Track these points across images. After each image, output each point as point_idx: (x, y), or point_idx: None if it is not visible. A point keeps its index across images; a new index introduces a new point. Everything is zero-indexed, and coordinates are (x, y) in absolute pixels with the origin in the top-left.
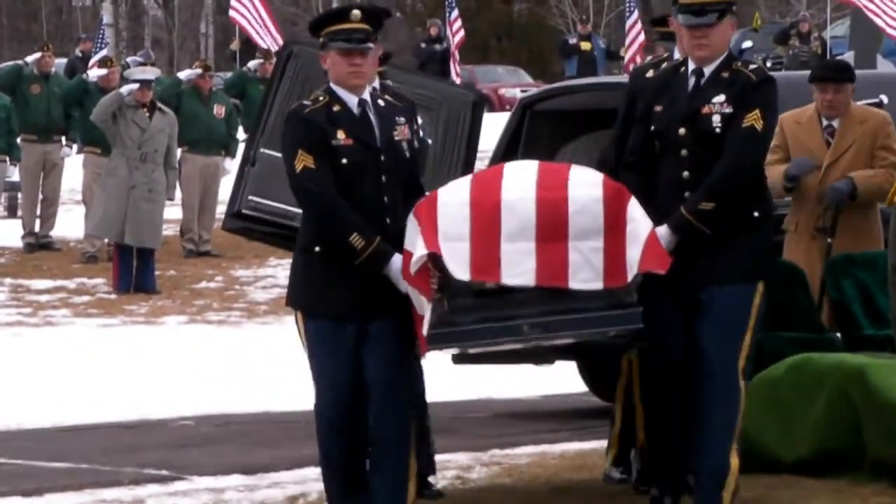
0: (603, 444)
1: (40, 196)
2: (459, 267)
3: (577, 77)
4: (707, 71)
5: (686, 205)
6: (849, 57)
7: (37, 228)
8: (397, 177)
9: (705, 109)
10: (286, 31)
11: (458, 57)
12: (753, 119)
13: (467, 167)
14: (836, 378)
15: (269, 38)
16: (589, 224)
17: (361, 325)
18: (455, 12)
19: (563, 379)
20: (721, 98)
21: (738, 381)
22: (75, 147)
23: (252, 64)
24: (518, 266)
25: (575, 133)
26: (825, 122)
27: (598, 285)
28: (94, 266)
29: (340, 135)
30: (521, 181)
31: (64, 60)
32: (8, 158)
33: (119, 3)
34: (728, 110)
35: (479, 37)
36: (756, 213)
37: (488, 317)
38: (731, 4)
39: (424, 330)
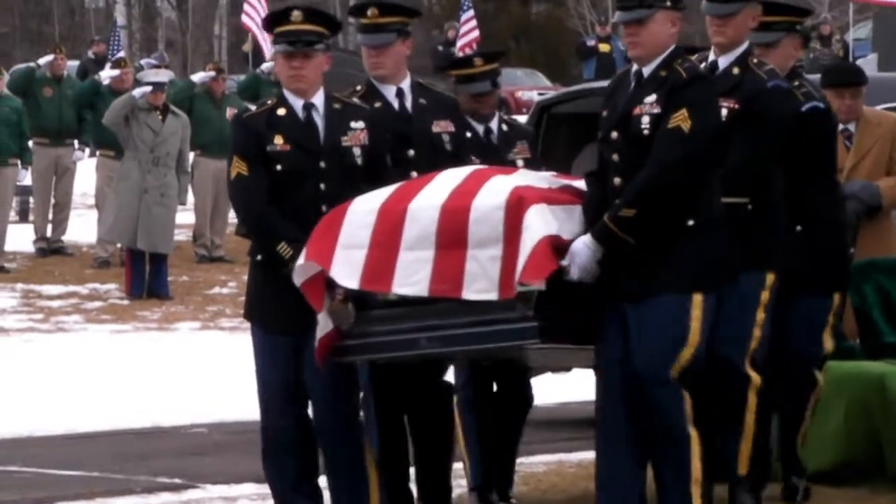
0: None
1: (52, 200)
2: (348, 275)
3: (596, 80)
4: (646, 71)
5: (609, 212)
6: (871, 59)
7: (49, 233)
8: (341, 184)
9: (636, 111)
10: None
11: None
12: (680, 119)
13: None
14: (855, 386)
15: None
16: (488, 233)
17: (299, 335)
18: (469, 13)
19: (580, 386)
20: (652, 98)
21: (679, 388)
22: (87, 150)
23: (265, 66)
24: (412, 275)
25: (593, 136)
26: (841, 126)
27: (493, 296)
28: (106, 271)
29: (278, 140)
30: (440, 188)
31: (76, 63)
32: (20, 162)
33: (132, 4)
34: (657, 111)
35: (497, 39)
36: (691, 222)
37: (392, 329)
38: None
39: (317, 340)
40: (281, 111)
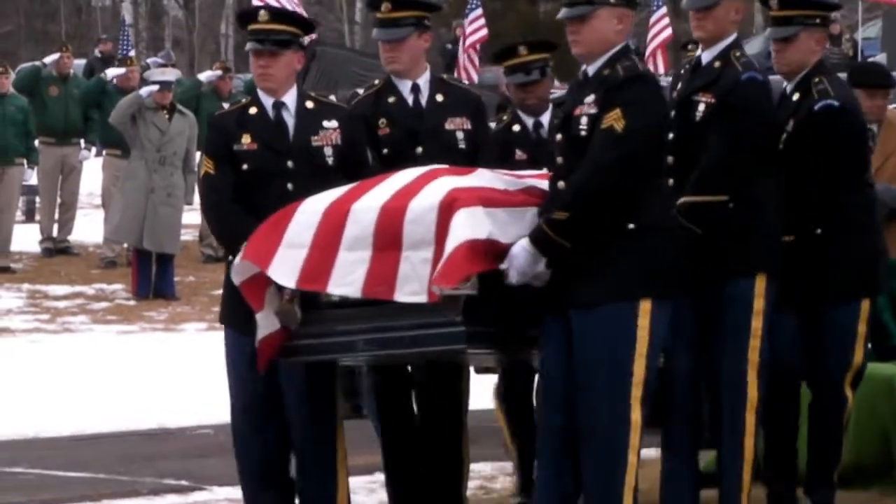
0: None
1: (58, 200)
2: (286, 275)
3: None
4: (591, 70)
5: (545, 215)
6: (881, 59)
7: (55, 233)
8: (311, 184)
9: (577, 111)
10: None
11: (474, 57)
12: (613, 119)
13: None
14: (864, 389)
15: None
16: (422, 234)
17: None
18: (478, 11)
19: None
20: (591, 98)
21: (628, 413)
22: (94, 150)
23: None
24: (347, 276)
25: None
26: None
27: (423, 298)
28: (113, 271)
29: (245, 139)
30: (386, 188)
31: (83, 62)
32: (26, 162)
33: (139, 3)
34: (593, 111)
35: (505, 38)
36: (632, 225)
37: (332, 331)
38: None
39: (258, 340)
40: (252, 110)
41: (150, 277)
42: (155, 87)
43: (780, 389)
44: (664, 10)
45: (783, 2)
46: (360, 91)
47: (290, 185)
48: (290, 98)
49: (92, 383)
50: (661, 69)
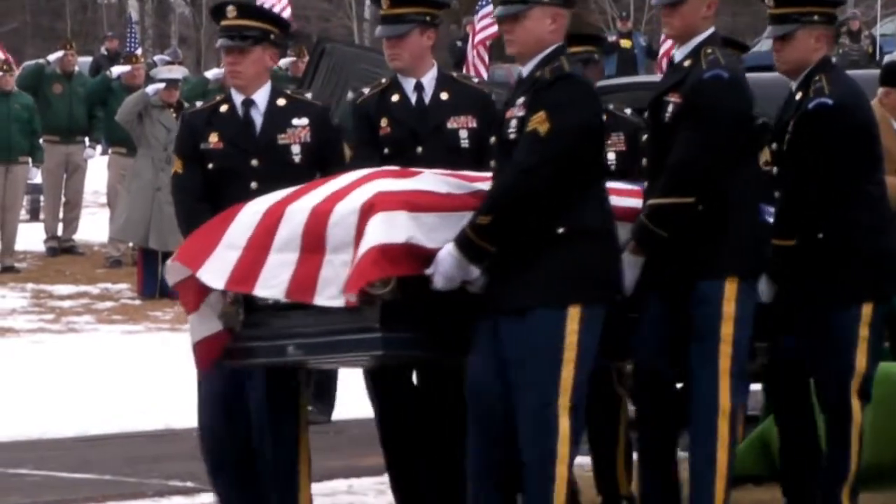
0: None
1: (63, 199)
2: (216, 276)
3: (617, 76)
4: (525, 71)
5: (470, 218)
6: None
7: (59, 232)
8: (274, 183)
9: (508, 114)
10: (318, 27)
11: (484, 54)
12: (538, 122)
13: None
14: (882, 389)
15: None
16: (343, 237)
17: None
18: (488, 7)
19: None
20: (521, 100)
21: (556, 421)
22: (99, 148)
23: (283, 62)
24: (274, 278)
25: None
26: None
27: (341, 302)
28: (118, 271)
29: (213, 138)
30: (324, 190)
31: (88, 59)
32: (30, 160)
33: (145, 0)
34: (521, 114)
35: None
36: (561, 230)
37: (266, 334)
38: None
39: (193, 342)
40: (223, 108)
41: (156, 277)
42: (161, 85)
43: (826, 404)
44: None
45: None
46: (365, 90)
47: (254, 184)
48: (260, 95)
49: (97, 384)
50: None
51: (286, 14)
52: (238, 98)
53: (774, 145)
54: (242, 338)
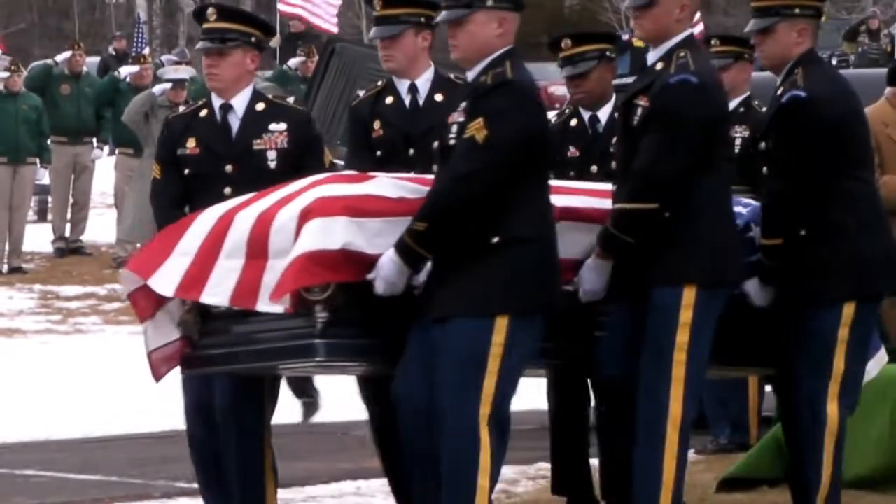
0: None
1: (71, 199)
2: (167, 283)
3: (630, 75)
4: (470, 76)
5: (409, 224)
6: None
7: (67, 233)
8: (249, 188)
9: (450, 119)
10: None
11: None
12: (475, 129)
13: None
14: (893, 390)
15: (328, 23)
16: (284, 243)
17: None
18: None
19: None
20: (463, 106)
21: (476, 431)
22: (106, 149)
23: (293, 62)
24: (220, 285)
25: None
26: None
27: (281, 308)
28: None
29: (190, 143)
30: (274, 196)
31: (96, 59)
32: (38, 161)
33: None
34: (462, 119)
35: (530, 33)
36: (496, 239)
37: (219, 342)
38: None
39: (148, 351)
40: (203, 112)
41: None
42: (168, 85)
43: (797, 409)
44: None
45: None
46: (361, 93)
47: (227, 190)
48: (239, 100)
49: (104, 385)
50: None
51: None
52: (217, 102)
53: (763, 143)
54: (201, 345)
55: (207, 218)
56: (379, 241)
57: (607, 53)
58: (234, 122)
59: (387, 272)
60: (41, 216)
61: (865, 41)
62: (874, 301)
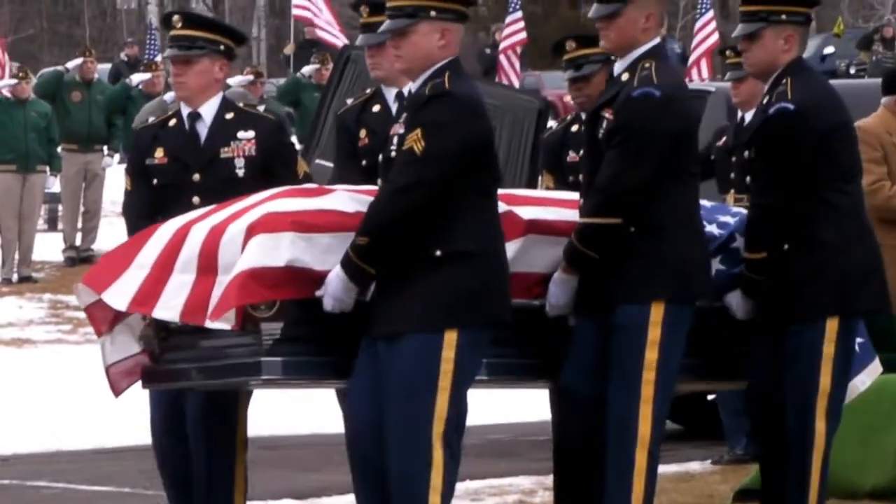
0: (667, 468)
1: (81, 208)
2: (121, 297)
3: None
4: (413, 87)
5: (351, 240)
6: None
7: (78, 242)
8: (216, 197)
9: (392, 131)
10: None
11: (515, 61)
12: (413, 140)
13: (532, 174)
14: None
15: (340, 39)
16: (232, 258)
17: None
18: (517, 14)
19: None
20: (403, 117)
21: (429, 451)
22: (117, 157)
23: (307, 70)
24: (172, 299)
25: None
26: None
27: (228, 325)
28: None
29: (158, 153)
30: (230, 209)
31: (108, 66)
32: (48, 169)
33: (165, 6)
34: (402, 131)
35: (547, 42)
36: (439, 252)
37: (174, 358)
38: (428, 9)
39: (106, 365)
40: (172, 122)
41: None
42: None
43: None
44: (710, 14)
45: None
46: (349, 101)
47: (196, 199)
48: (208, 108)
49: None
50: (706, 75)
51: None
52: (185, 111)
53: (746, 153)
54: (160, 360)
55: (166, 230)
56: (329, 257)
57: (611, 58)
58: (203, 131)
59: (333, 289)
60: (51, 225)
61: (880, 49)
62: (858, 317)
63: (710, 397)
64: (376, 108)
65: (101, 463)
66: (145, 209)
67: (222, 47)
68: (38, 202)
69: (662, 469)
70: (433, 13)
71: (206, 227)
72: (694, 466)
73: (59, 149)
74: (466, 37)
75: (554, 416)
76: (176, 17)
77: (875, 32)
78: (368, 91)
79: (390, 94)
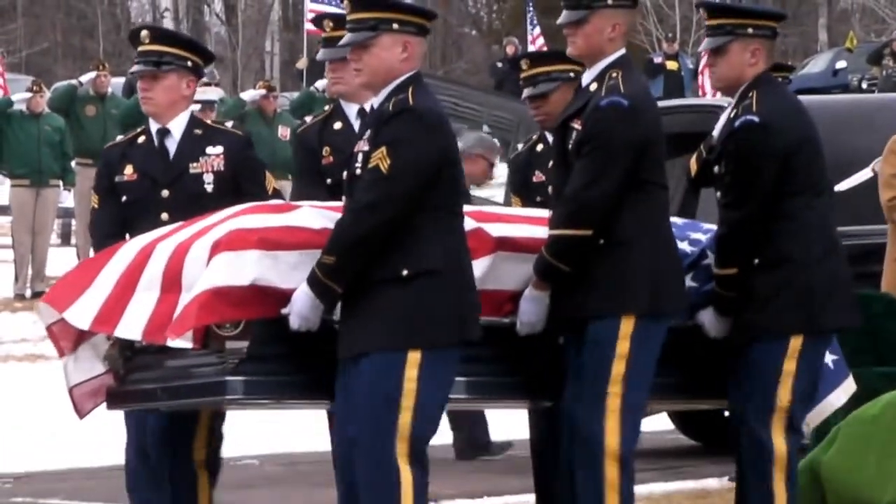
0: (683, 485)
1: None
2: (82, 316)
3: (664, 98)
4: (376, 102)
5: (318, 258)
6: None
7: (91, 256)
8: (185, 214)
9: (356, 148)
10: None
11: None
12: (378, 158)
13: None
14: None
15: None
16: (196, 275)
17: None
18: (537, 29)
19: (649, 417)
20: (368, 134)
21: (395, 468)
22: None
23: (320, 84)
24: (135, 318)
25: (673, 153)
26: None
27: (188, 344)
28: None
29: (127, 170)
30: (196, 226)
31: (121, 80)
32: (62, 183)
33: (180, 19)
34: (366, 148)
35: None
36: (405, 272)
37: (141, 378)
38: (390, 21)
39: (69, 385)
40: (141, 139)
41: None
42: (197, 107)
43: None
44: None
45: (712, 11)
46: (308, 119)
47: (165, 215)
48: (176, 124)
49: None
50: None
51: None
52: (154, 127)
53: (716, 168)
54: (125, 381)
55: (130, 248)
56: (296, 274)
57: (571, 75)
58: (172, 147)
59: (300, 307)
60: (65, 240)
61: (890, 64)
62: (825, 334)
63: (727, 413)
64: (337, 125)
65: (116, 480)
66: (113, 227)
67: (190, 63)
68: (52, 217)
69: (679, 486)
70: (395, 25)
71: (172, 244)
72: (711, 483)
73: (72, 163)
74: (480, 50)
75: (532, 435)
76: (144, 33)
77: (885, 47)
78: (327, 108)
79: (351, 110)
